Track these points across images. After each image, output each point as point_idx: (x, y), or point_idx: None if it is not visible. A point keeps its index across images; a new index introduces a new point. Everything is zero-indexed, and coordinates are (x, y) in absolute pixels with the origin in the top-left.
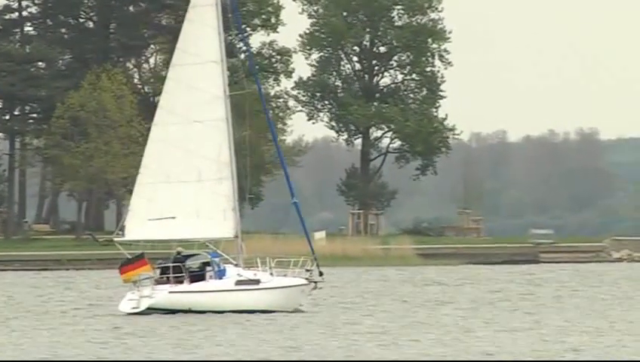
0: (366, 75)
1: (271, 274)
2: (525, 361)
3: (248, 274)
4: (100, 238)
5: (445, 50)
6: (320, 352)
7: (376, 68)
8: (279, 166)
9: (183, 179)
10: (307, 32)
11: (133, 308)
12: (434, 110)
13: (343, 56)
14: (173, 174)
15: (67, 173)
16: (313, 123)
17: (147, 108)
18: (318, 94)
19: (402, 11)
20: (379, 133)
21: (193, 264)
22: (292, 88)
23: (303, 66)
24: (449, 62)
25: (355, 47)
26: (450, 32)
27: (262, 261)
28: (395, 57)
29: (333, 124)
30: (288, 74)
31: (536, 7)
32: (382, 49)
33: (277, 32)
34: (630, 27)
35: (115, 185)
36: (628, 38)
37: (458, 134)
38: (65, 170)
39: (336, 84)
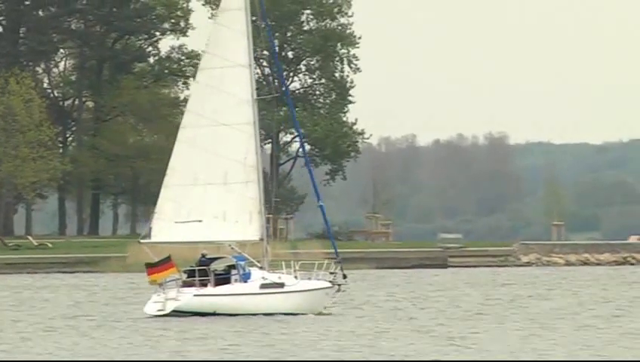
0: (275, 80)
1: (295, 277)
2: (527, 361)
3: (273, 278)
4: (10, 243)
5: (354, 56)
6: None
7: (285, 72)
8: None
9: (210, 181)
10: None
11: (159, 310)
12: (343, 115)
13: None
14: (200, 176)
15: None
16: None
17: (56, 113)
18: None
19: (311, 16)
20: (288, 138)
21: (218, 267)
22: None
23: None
24: (358, 68)
25: (265, 52)
26: (359, 37)
27: (286, 264)
28: (304, 62)
29: None
30: None
31: (446, 10)
32: (291, 54)
33: (186, 36)
34: (539, 30)
35: (24, 189)
36: (535, 43)
37: (367, 138)
38: None
39: None
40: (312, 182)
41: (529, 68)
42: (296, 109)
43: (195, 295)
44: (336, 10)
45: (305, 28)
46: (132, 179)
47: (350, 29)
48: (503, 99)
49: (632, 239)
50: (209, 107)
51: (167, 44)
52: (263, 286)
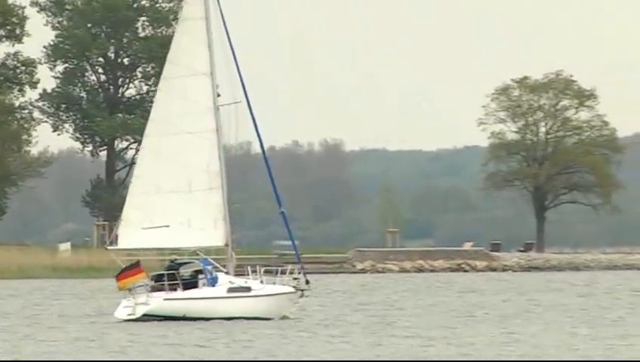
0: (111, 87)
1: (261, 282)
2: (522, 361)
3: (239, 282)
4: None
5: None
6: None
7: (120, 79)
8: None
9: (174, 188)
10: (52, 43)
11: (129, 314)
12: None
13: (87, 67)
14: (164, 184)
15: None
16: (58, 134)
17: None
18: (63, 105)
19: (147, 23)
20: (124, 144)
21: (186, 272)
22: (37, 100)
23: (48, 78)
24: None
25: (100, 59)
26: None
27: (252, 269)
28: (140, 69)
29: (78, 135)
30: (33, 85)
31: (292, 18)
32: (126, 60)
33: (22, 43)
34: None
35: None
36: (379, 47)
37: None
38: None
39: (81, 95)
40: (273, 189)
41: (361, 76)
42: (132, 116)
43: (165, 299)
44: (171, 17)
45: (141, 35)
46: None
47: None
48: (338, 105)
49: (467, 246)
50: (172, 115)
51: (2, 50)
52: (231, 290)
